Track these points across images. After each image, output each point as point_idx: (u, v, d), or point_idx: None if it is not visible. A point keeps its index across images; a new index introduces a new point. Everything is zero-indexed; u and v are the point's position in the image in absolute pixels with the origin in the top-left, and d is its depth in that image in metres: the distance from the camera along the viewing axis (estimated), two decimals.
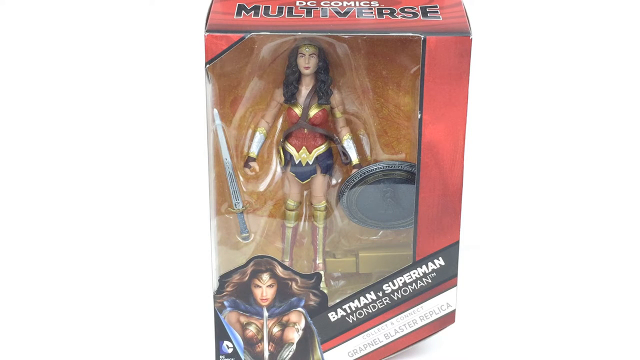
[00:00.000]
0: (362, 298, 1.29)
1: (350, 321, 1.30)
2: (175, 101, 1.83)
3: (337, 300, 1.30)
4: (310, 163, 1.29)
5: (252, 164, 1.29)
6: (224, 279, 1.28)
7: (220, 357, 1.32)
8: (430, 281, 1.28)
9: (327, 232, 1.34)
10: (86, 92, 1.87)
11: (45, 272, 1.51)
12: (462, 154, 1.22)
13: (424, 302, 1.30)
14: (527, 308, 1.45)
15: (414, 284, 1.29)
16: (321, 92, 1.26)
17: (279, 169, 1.31)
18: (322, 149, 1.29)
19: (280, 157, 1.29)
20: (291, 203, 1.31)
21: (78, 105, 1.86)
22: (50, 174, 1.73)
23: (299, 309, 1.30)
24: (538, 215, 1.66)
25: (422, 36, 1.17)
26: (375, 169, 1.30)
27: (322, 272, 1.32)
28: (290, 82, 1.25)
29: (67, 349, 1.36)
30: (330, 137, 1.29)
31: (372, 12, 1.22)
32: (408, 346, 1.32)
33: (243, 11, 1.22)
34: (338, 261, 1.36)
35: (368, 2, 1.25)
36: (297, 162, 1.29)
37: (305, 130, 1.27)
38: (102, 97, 1.87)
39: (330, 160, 1.30)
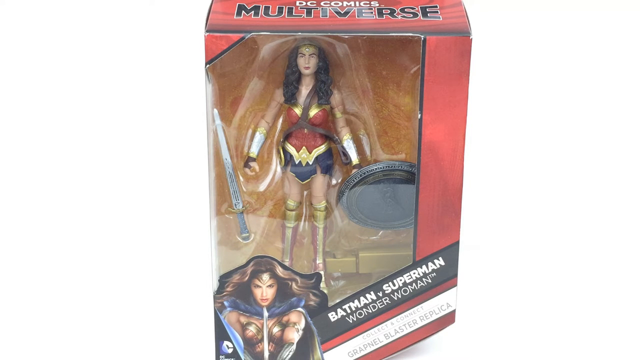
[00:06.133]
0: (362, 298, 1.29)
1: (350, 321, 1.30)
2: (176, 101, 1.83)
3: (337, 300, 1.30)
4: (310, 163, 1.29)
5: (252, 164, 1.29)
6: (224, 279, 1.28)
7: (220, 357, 1.32)
8: (430, 281, 1.28)
9: (327, 232, 1.34)
10: (86, 92, 1.87)
11: (46, 272, 1.51)
12: (462, 154, 1.22)
13: (424, 302, 1.30)
14: (527, 308, 1.45)
15: (414, 284, 1.29)
16: (321, 92, 1.26)
17: (279, 169, 1.31)
18: (322, 149, 1.29)
19: (280, 157, 1.29)
20: (291, 203, 1.31)
21: (78, 106, 1.86)
22: (50, 174, 1.73)
23: (299, 309, 1.30)
24: (538, 215, 1.66)
25: (422, 36, 1.17)
26: (375, 169, 1.30)
27: (322, 272, 1.32)
28: (290, 82, 1.25)
29: (68, 349, 1.36)
30: (330, 137, 1.29)
31: (372, 12, 1.22)
32: (408, 346, 1.32)
33: (243, 11, 1.22)
34: (338, 261, 1.36)
35: (368, 2, 1.25)
36: (297, 162, 1.29)
37: (305, 130, 1.27)
38: (103, 97, 1.87)
39: (330, 160, 1.30)
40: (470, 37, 1.17)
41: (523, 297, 1.47)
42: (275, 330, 1.31)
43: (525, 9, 1.92)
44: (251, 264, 1.28)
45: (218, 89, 1.26)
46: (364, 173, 1.30)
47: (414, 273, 1.28)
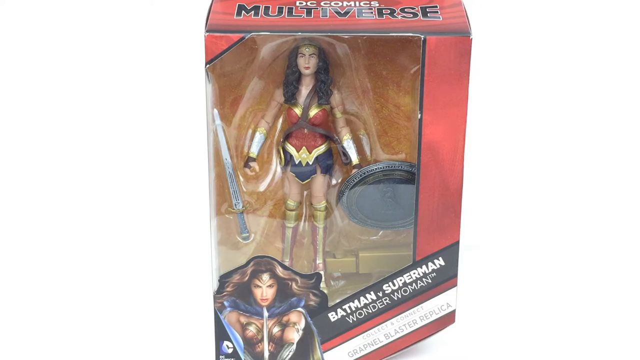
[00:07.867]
0: (362, 298, 1.29)
1: (350, 321, 1.30)
2: (176, 101, 1.83)
3: (337, 300, 1.30)
4: (310, 163, 1.29)
5: (252, 164, 1.29)
6: (224, 279, 1.28)
7: (220, 357, 1.32)
8: (430, 281, 1.28)
9: (327, 232, 1.34)
10: (86, 92, 1.87)
11: (46, 272, 1.51)
12: (462, 154, 1.22)
13: (424, 302, 1.30)
14: (527, 308, 1.45)
15: (414, 284, 1.29)
16: (321, 92, 1.26)
17: (279, 169, 1.31)
18: (322, 149, 1.29)
19: (280, 157, 1.29)
20: (291, 203, 1.31)
21: (78, 106, 1.86)
22: (50, 174, 1.73)
23: (299, 309, 1.30)
24: (538, 215, 1.66)
25: (422, 36, 1.17)
26: (375, 169, 1.30)
27: (322, 272, 1.32)
28: (290, 82, 1.25)
29: (68, 349, 1.36)
30: (330, 137, 1.29)
31: (372, 12, 1.22)
32: (408, 346, 1.32)
33: (243, 11, 1.22)
34: (338, 261, 1.36)
35: (368, 2, 1.25)
36: (297, 162, 1.29)
37: (305, 131, 1.28)
38: (102, 97, 1.87)
39: (330, 161, 1.30)
40: (470, 37, 1.17)
41: (523, 297, 1.47)
42: (275, 330, 1.31)
43: (525, 9, 1.92)
44: (251, 264, 1.28)
45: (218, 89, 1.26)
46: (364, 173, 1.30)
47: (414, 273, 1.28)
